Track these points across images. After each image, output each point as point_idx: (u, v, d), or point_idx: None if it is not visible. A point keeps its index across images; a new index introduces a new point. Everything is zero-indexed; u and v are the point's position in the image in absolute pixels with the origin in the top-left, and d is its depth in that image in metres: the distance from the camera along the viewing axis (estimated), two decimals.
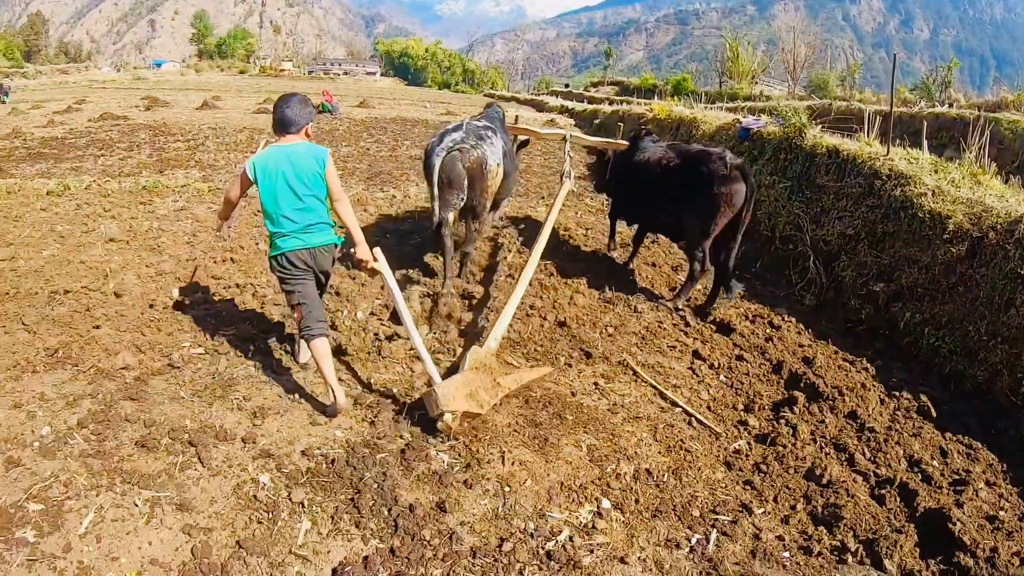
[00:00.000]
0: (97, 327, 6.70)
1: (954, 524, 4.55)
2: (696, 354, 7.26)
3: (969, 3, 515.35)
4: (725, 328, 7.98)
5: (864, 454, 5.54)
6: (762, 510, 4.77)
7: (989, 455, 5.65)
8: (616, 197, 10.26)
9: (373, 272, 5.89)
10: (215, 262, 8.83)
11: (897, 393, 6.60)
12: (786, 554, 4.37)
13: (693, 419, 5.95)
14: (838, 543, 4.48)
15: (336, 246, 5.82)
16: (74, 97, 34.71)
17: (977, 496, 5.04)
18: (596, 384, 6.41)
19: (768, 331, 8.00)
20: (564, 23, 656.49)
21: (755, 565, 4.23)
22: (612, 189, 10.39)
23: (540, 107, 53.33)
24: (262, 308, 7.52)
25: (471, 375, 5.61)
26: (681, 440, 5.56)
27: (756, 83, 52.45)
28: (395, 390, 6.03)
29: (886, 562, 4.31)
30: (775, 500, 4.91)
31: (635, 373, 6.65)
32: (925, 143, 11.47)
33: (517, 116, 11.81)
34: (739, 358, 7.23)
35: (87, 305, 7.17)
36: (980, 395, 6.75)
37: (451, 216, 8.03)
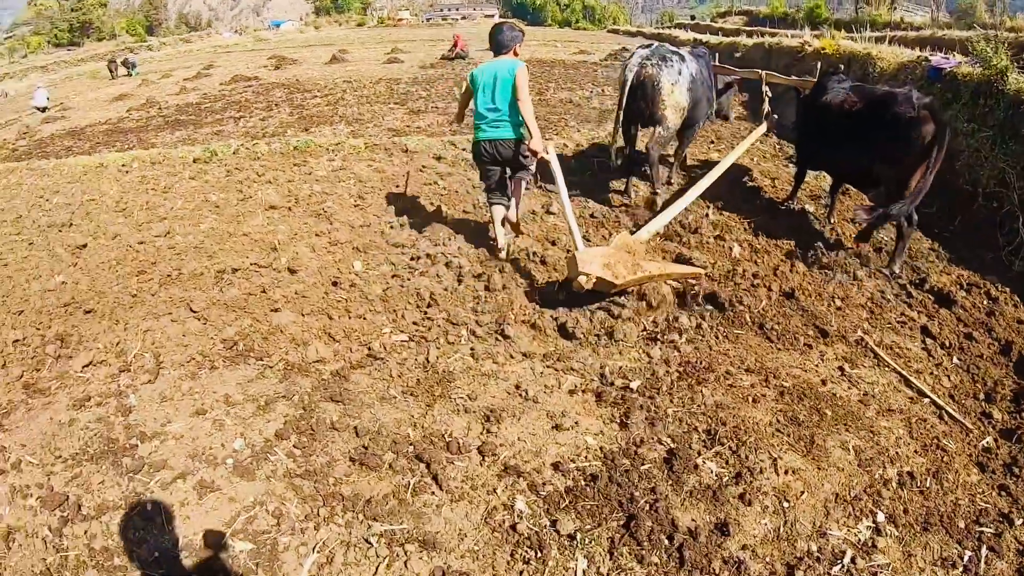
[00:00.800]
0: (276, 310, 6.02)
1: None
2: (925, 331, 6.43)
3: None
4: (945, 299, 7.03)
5: None
6: (1021, 520, 4.18)
7: None
8: (802, 144, 9.49)
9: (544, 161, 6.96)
10: (393, 227, 8.07)
11: None
12: None
13: (943, 412, 5.23)
14: None
15: (515, 140, 6.92)
16: (201, 63, 34.91)
17: None
18: (841, 369, 5.67)
19: (988, 304, 7.06)
20: None
21: None
22: (799, 135, 9.63)
23: (670, 42, 51.14)
24: (460, 282, 6.73)
25: (613, 251, 6.31)
26: (936, 437, 4.90)
27: (895, 8, 49.13)
28: (637, 382, 5.19)
29: None
30: None
31: (876, 356, 5.94)
32: None
33: (716, 54, 11.11)
34: (968, 336, 6.34)
35: (260, 285, 6.49)
36: None
37: (635, 129, 9.31)
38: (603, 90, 19.68)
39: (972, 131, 10.06)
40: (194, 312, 5.91)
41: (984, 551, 3.92)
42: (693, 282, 6.74)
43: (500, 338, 5.72)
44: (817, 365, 5.68)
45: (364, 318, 5.98)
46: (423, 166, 10.37)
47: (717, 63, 10.91)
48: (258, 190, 9.26)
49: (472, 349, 5.53)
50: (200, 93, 22.04)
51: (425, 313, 6.07)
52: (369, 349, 5.47)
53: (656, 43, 9.30)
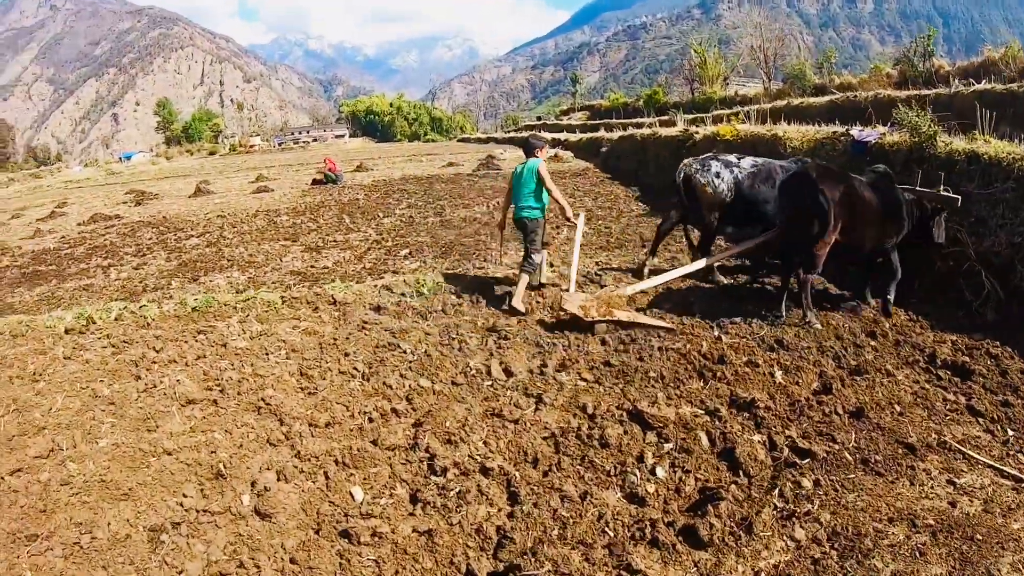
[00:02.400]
0: None
1: None
2: (972, 411, 6.36)
3: None
4: (961, 371, 7.12)
5: None
6: None
7: None
8: None
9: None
10: (372, 420, 6.04)
11: None
12: None
13: None
14: None
15: (533, 219, 9.28)
16: (54, 201, 31.48)
17: None
18: (952, 483, 5.28)
19: (994, 363, 7.27)
20: (517, 58, 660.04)
21: None
22: None
23: (563, 144, 49.99)
24: (517, 501, 4.86)
25: (592, 298, 8.38)
26: None
27: (727, 84, 51.36)
28: None
29: None
30: None
31: (966, 456, 5.72)
32: (982, 120, 11.37)
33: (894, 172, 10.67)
34: (1004, 404, 6.46)
35: (228, 549, 4.31)
36: None
37: (676, 214, 11.00)
38: (497, 203, 18.25)
39: None
40: None
41: None
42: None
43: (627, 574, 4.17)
44: (933, 487, 5.27)
45: None
46: (364, 322, 8.47)
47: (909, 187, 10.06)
48: (163, 375, 7.08)
49: None
50: (58, 236, 19.23)
51: (503, 559, 4.21)
52: None
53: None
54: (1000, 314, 8.48)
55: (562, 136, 45.30)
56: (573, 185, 22.08)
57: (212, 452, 5.48)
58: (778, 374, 6.97)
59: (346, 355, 7.47)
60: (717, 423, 5.86)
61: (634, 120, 41.75)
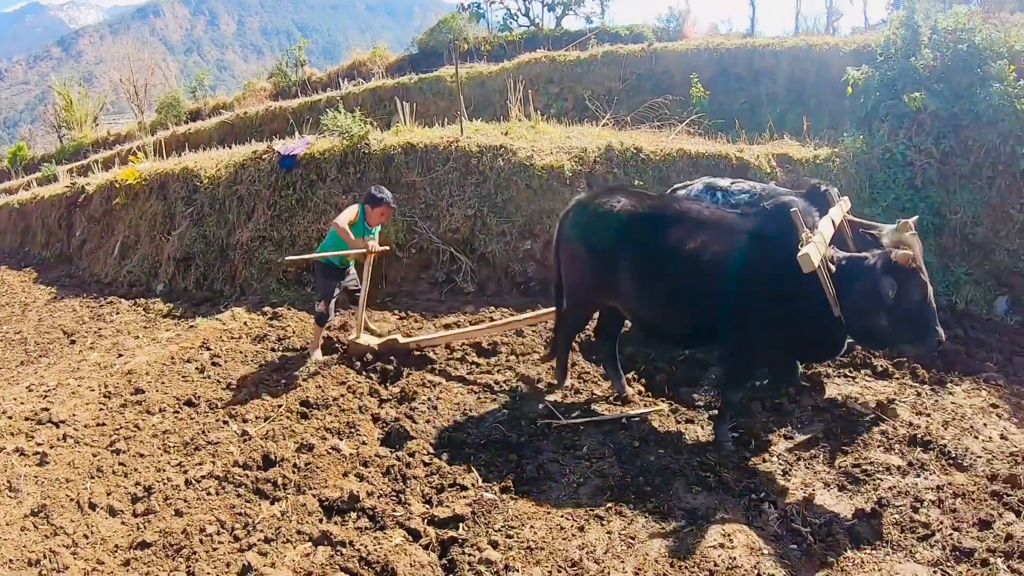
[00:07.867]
0: None
1: None
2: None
3: None
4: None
5: None
6: None
7: None
8: None
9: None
10: None
11: None
12: None
13: None
14: None
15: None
16: None
17: None
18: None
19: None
20: None
21: None
22: None
23: None
24: None
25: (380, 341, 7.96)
26: None
27: (97, 125, 48.02)
28: None
29: None
30: None
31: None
32: (403, 112, 12.92)
33: None
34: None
35: None
36: None
37: None
38: None
39: (354, 199, 10.03)
40: None
41: None
42: None
43: None
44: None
45: None
46: None
47: None
48: None
49: None
50: None
51: None
52: None
53: None
54: (477, 283, 9.59)
55: None
56: None
57: None
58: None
59: None
60: None
61: (3, 185, 36.74)
